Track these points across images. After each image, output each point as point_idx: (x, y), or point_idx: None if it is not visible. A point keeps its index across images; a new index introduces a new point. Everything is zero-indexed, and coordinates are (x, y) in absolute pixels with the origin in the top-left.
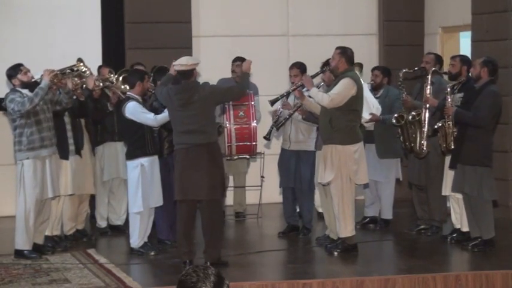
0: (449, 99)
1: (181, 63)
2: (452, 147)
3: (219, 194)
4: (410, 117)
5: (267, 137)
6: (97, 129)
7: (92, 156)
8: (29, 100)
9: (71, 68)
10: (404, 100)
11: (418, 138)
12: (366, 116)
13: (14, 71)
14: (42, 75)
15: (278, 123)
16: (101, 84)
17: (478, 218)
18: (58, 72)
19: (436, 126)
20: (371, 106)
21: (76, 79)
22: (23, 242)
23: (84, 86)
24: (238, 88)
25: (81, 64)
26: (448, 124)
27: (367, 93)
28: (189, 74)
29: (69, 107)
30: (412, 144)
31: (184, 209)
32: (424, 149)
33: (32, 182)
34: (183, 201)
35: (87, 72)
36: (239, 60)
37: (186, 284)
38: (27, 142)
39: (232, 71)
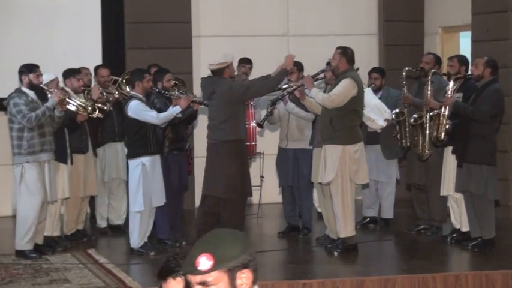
0: (449, 92)
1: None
2: (442, 137)
3: (229, 193)
4: (412, 120)
5: (261, 124)
6: (97, 131)
7: (94, 157)
8: (36, 118)
9: (82, 104)
10: (405, 97)
11: (420, 141)
12: (381, 123)
13: (28, 69)
14: (51, 89)
15: (272, 102)
16: (105, 96)
17: (481, 218)
18: (67, 98)
19: (431, 113)
20: (383, 112)
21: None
22: (23, 242)
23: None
24: (263, 84)
25: (94, 104)
26: (444, 115)
27: (375, 100)
28: (218, 72)
29: (53, 128)
30: (409, 144)
31: (205, 203)
32: (427, 151)
33: (35, 184)
34: (204, 195)
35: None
36: (248, 63)
37: (166, 270)
38: (28, 146)
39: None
